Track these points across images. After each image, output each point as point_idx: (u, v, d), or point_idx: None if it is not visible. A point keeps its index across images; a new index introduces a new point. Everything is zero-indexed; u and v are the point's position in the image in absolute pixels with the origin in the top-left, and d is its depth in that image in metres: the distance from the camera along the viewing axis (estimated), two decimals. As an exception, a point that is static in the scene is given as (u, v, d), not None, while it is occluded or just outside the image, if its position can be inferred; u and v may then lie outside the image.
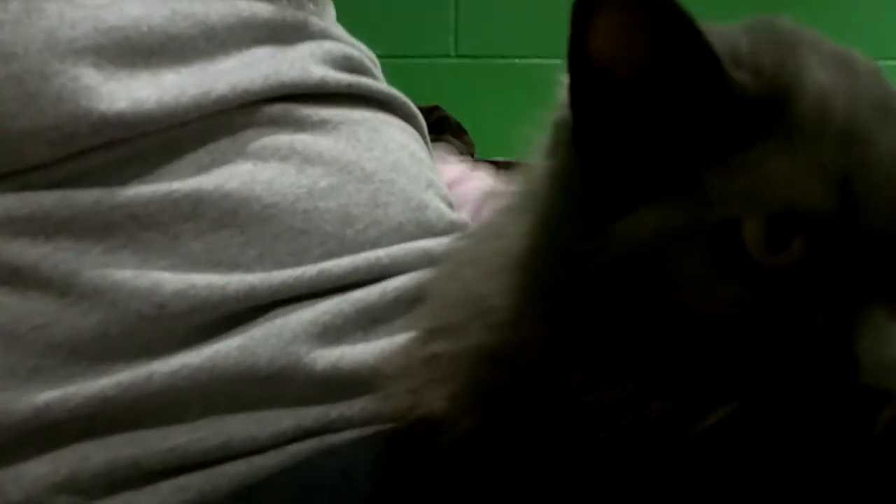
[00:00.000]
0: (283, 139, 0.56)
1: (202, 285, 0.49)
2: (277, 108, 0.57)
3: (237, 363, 0.48)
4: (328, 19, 0.67)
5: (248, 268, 0.52)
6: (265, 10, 0.60)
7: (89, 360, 0.47)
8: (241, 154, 0.55)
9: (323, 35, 0.63)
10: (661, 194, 0.34)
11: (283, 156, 0.56)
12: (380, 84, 0.65)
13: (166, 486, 0.46)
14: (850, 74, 0.36)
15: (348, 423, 0.49)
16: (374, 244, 0.56)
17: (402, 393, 0.42)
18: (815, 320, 0.33)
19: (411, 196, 0.60)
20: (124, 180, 0.51)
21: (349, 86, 0.61)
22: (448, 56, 1.65)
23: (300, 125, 0.58)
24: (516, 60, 1.60)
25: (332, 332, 0.51)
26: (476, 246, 0.44)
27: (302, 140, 0.57)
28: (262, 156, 0.55)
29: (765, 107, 0.34)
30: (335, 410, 0.50)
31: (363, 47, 0.68)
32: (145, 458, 0.46)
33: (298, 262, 0.53)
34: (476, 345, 0.39)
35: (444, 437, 0.39)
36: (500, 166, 1.09)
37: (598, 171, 0.36)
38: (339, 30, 0.66)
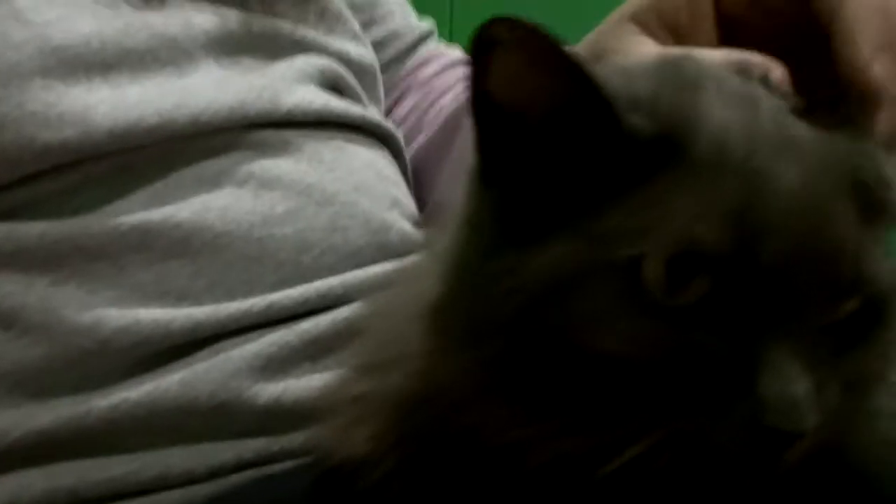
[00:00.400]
0: (241, 165, 0.56)
1: (146, 321, 0.50)
2: (237, 134, 0.56)
3: (177, 397, 0.49)
4: (330, 25, 0.65)
5: (197, 298, 0.52)
6: (229, 21, 0.59)
7: (32, 392, 0.48)
8: (195, 181, 0.54)
9: (296, 48, 0.61)
10: (568, 232, 0.34)
11: (240, 182, 0.55)
12: (350, 108, 0.62)
13: None
14: (751, 112, 0.36)
15: (290, 456, 0.49)
16: (331, 270, 0.55)
17: (332, 431, 0.42)
18: (719, 359, 0.33)
19: (373, 218, 0.58)
20: (75, 210, 0.51)
21: (319, 116, 0.60)
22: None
23: (260, 148, 0.57)
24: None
25: (277, 365, 0.51)
26: (402, 286, 0.44)
27: (260, 165, 0.56)
28: (218, 182, 0.54)
29: (662, 147, 0.34)
30: (277, 444, 0.50)
31: (353, 51, 0.65)
32: (84, 487, 0.47)
33: (250, 291, 0.53)
34: (398, 387, 0.40)
35: (367, 476, 0.39)
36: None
37: (509, 210, 0.36)
38: (323, 36, 0.64)
